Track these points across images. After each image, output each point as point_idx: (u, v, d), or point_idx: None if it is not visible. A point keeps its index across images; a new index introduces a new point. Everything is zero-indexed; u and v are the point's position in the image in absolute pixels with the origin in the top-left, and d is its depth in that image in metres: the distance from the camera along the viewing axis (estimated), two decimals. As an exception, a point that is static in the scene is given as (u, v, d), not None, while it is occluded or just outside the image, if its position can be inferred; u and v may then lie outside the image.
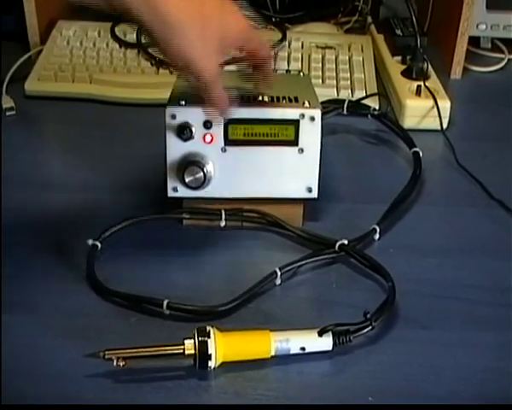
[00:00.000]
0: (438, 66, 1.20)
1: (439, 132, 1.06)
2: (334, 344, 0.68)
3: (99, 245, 0.80)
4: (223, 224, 0.85)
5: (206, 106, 0.75)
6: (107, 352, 0.63)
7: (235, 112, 0.77)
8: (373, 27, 1.36)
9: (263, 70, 0.78)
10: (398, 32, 1.27)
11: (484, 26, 1.31)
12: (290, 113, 0.80)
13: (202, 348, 0.64)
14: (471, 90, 1.25)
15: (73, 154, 1.01)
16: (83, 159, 0.99)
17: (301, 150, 0.81)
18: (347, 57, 1.24)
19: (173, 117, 0.80)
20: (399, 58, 1.22)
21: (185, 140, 0.80)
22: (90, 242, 0.79)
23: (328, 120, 1.01)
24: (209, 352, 0.64)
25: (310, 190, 0.83)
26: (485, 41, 1.35)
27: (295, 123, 0.80)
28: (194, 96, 0.75)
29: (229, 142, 0.81)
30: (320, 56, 1.24)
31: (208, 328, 0.65)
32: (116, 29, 1.27)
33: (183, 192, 0.83)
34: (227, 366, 0.66)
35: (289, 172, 0.83)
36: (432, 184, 0.96)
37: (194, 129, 0.80)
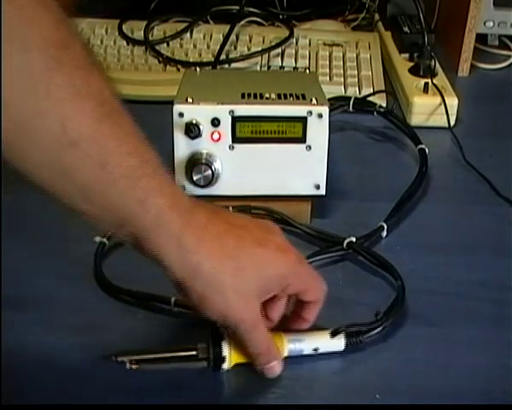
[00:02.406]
0: (445, 63, 1.20)
1: (447, 130, 1.06)
2: (347, 345, 0.68)
3: (106, 242, 0.80)
4: None
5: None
6: (119, 357, 0.62)
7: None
8: (380, 25, 1.36)
9: (309, 311, 0.66)
10: (406, 29, 1.27)
11: (491, 24, 1.31)
12: (298, 110, 0.80)
13: (216, 351, 0.64)
14: (478, 87, 1.25)
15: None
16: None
17: (309, 147, 0.81)
18: (355, 54, 1.24)
19: (181, 115, 0.80)
20: (407, 55, 1.22)
21: (193, 138, 0.80)
22: (98, 239, 0.80)
23: (336, 118, 1.01)
24: (223, 354, 0.64)
25: (317, 187, 0.83)
26: (492, 38, 1.35)
27: (303, 120, 0.80)
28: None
29: (236, 139, 0.81)
30: (327, 54, 1.24)
31: (221, 330, 0.65)
32: (123, 26, 1.27)
33: (190, 190, 0.83)
34: (240, 367, 0.66)
35: (297, 170, 0.83)
36: (439, 182, 0.96)
37: (201, 127, 0.80)
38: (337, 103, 1.05)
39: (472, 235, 0.86)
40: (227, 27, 1.23)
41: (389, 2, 1.36)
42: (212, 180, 0.81)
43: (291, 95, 0.83)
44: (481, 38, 1.32)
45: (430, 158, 0.97)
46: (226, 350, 0.64)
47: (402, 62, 1.20)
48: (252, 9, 1.32)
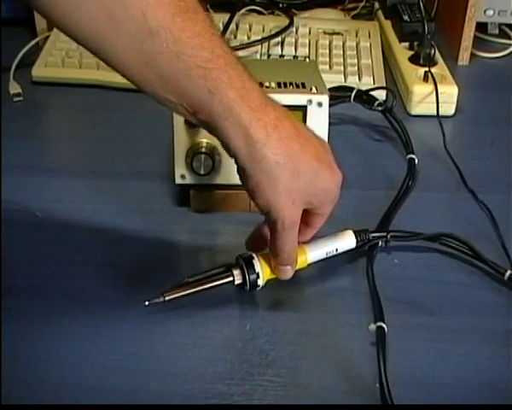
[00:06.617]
0: (445, 52, 1.20)
1: (449, 118, 1.06)
2: (357, 241, 0.77)
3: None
4: None
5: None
6: (165, 294, 0.67)
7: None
8: (380, 13, 1.36)
9: (318, 220, 0.71)
10: (406, 17, 1.26)
11: (491, 12, 1.31)
12: (298, 98, 0.80)
13: (250, 270, 0.70)
14: (478, 76, 1.25)
15: (81, 139, 1.01)
16: (90, 145, 0.99)
17: (309, 136, 0.81)
18: (355, 43, 1.24)
19: (181, 103, 0.80)
20: (407, 44, 1.21)
21: (193, 127, 0.80)
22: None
23: (335, 110, 1.00)
24: (257, 270, 0.70)
25: (317, 176, 0.83)
26: (492, 27, 1.35)
27: (303, 109, 0.80)
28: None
29: (236, 128, 0.81)
30: (327, 42, 1.24)
31: (249, 253, 0.72)
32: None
33: (190, 179, 0.83)
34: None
35: (297, 159, 0.82)
36: (425, 171, 0.95)
37: (201, 115, 0.80)
38: (337, 94, 1.03)
39: (471, 223, 0.86)
40: (227, 16, 1.23)
41: (389, -10, 1.36)
42: (212, 169, 0.81)
43: (291, 83, 0.83)
44: (481, 27, 1.32)
45: (424, 145, 0.98)
46: (258, 267, 0.70)
47: (402, 51, 1.20)
48: (251, -2, 1.32)
